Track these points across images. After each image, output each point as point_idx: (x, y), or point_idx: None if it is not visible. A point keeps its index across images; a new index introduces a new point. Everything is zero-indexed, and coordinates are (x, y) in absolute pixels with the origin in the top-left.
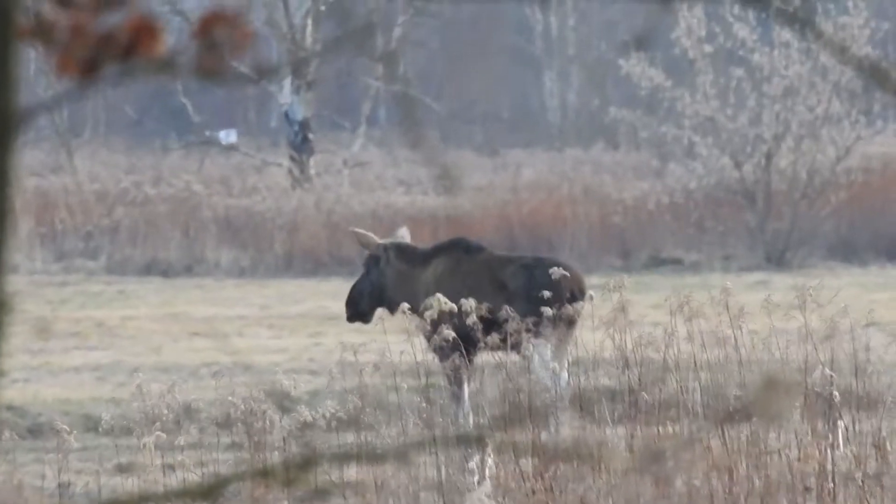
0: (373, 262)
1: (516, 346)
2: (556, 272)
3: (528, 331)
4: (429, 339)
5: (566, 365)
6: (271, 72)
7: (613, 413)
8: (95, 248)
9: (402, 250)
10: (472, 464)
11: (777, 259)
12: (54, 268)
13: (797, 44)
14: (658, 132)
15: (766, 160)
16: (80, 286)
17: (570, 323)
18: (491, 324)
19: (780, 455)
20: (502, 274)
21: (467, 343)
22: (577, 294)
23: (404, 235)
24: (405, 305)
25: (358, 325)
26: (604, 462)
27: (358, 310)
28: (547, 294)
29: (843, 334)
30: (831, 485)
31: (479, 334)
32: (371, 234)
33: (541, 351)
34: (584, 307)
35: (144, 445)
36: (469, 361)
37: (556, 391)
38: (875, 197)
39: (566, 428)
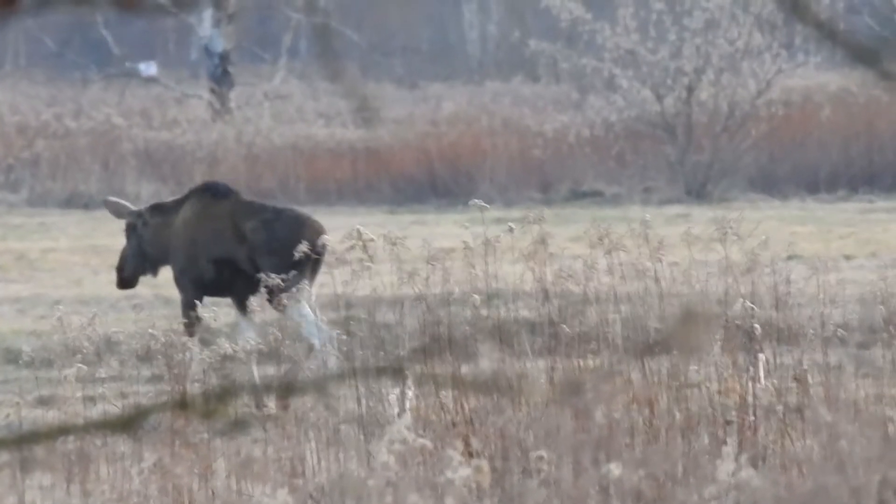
0: (130, 229)
1: (276, 304)
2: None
3: (281, 289)
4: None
5: (316, 311)
6: (190, 3)
7: (533, 345)
8: (16, 180)
9: (156, 208)
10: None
11: (697, 192)
12: None
13: None
14: (578, 64)
15: (687, 93)
16: (0, 219)
17: (314, 272)
18: (237, 270)
19: (700, 388)
20: (244, 226)
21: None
22: (317, 244)
23: None
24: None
25: None
26: (524, 394)
27: (123, 276)
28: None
29: (763, 267)
30: (752, 418)
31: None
32: (123, 203)
33: (299, 308)
34: (325, 256)
35: (65, 378)
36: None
37: (319, 345)
38: (795, 130)
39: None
